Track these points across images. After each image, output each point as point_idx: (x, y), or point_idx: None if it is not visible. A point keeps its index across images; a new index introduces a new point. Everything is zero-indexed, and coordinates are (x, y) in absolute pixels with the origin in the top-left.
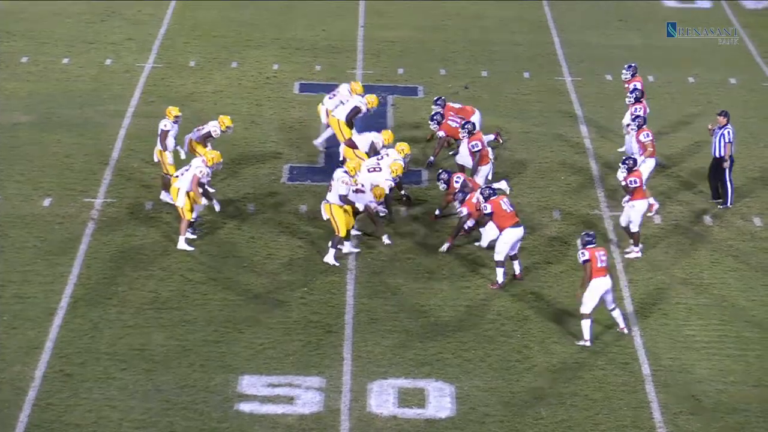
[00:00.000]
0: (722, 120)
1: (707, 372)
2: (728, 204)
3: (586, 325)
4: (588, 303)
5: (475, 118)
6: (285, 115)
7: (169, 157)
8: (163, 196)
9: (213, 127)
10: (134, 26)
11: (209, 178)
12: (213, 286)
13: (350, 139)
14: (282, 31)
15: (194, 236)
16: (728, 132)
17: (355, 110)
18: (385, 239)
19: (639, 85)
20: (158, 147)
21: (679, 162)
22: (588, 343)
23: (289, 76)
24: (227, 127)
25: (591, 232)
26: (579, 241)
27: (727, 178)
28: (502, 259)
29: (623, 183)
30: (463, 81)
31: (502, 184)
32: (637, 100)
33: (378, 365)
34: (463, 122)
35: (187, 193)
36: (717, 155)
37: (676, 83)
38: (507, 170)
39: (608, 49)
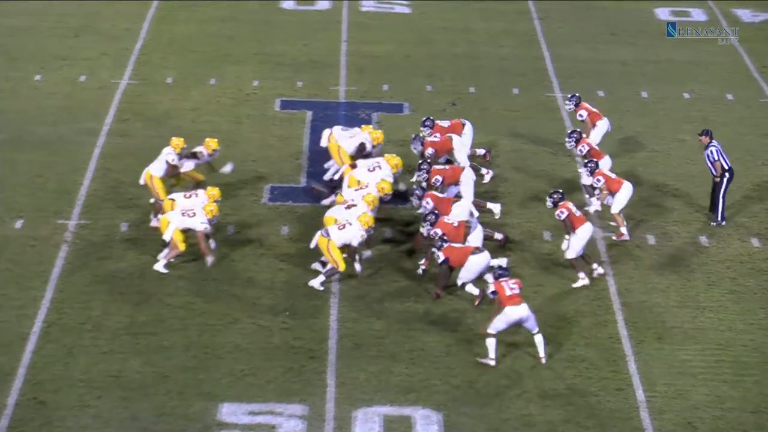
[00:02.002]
0: (705, 139)
1: (704, 398)
2: (720, 221)
3: (491, 344)
4: (495, 325)
5: (467, 129)
6: (266, 134)
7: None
8: (154, 222)
9: (199, 150)
10: (109, 41)
11: (209, 229)
12: (191, 310)
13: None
14: (262, 45)
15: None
16: (712, 150)
17: (361, 147)
18: (357, 266)
19: (585, 114)
20: (148, 170)
21: (674, 181)
22: (492, 362)
23: (270, 93)
24: (214, 150)
25: (504, 267)
26: (491, 275)
27: (721, 195)
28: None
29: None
30: (450, 97)
31: (496, 208)
32: (578, 141)
33: (363, 392)
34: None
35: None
36: (712, 174)
37: (671, 99)
38: (496, 189)
39: (600, 63)
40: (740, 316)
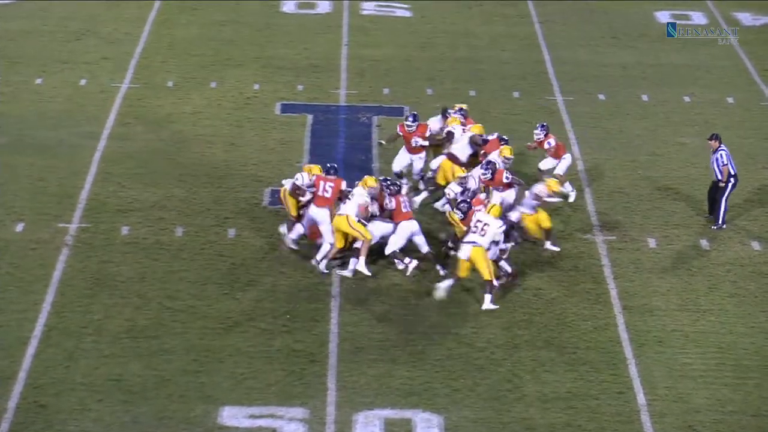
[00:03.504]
0: (714, 144)
1: (704, 401)
2: (720, 225)
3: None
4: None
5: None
6: (266, 137)
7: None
8: (290, 242)
9: (297, 178)
10: (110, 45)
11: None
12: (192, 314)
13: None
14: (263, 49)
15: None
16: (722, 154)
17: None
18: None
19: (552, 143)
20: (286, 188)
21: (675, 184)
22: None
23: (271, 97)
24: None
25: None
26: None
27: (723, 199)
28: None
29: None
30: (450, 101)
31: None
32: (546, 135)
33: (363, 395)
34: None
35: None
36: (716, 178)
37: (672, 102)
38: None
39: (601, 67)
40: (741, 319)
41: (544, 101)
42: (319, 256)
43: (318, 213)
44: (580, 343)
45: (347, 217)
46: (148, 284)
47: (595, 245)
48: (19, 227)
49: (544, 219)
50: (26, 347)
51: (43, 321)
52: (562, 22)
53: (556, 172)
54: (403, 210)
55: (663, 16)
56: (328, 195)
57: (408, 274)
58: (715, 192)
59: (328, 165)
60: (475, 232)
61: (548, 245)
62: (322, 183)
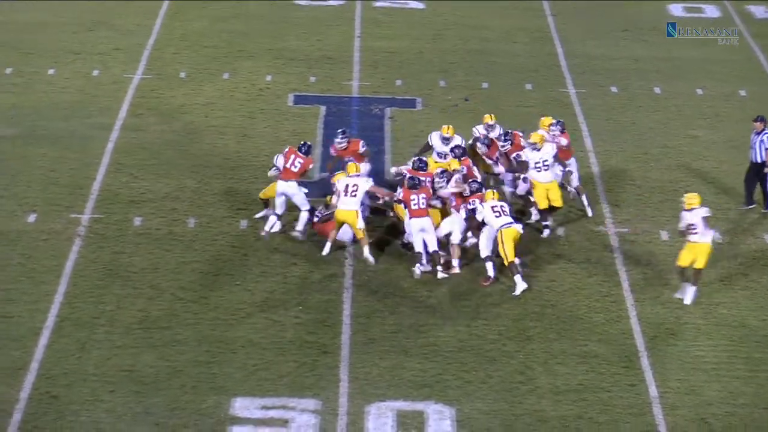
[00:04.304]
0: (759, 125)
1: (717, 394)
2: None
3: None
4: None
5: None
6: (279, 128)
7: None
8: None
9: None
10: (122, 36)
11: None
12: (204, 304)
13: None
14: (275, 40)
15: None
16: (767, 137)
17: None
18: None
19: (565, 142)
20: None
21: (687, 177)
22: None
23: (283, 88)
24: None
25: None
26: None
27: None
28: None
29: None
30: (462, 93)
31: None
32: (562, 131)
33: (375, 387)
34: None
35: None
36: (757, 160)
37: (684, 95)
38: None
39: (613, 60)
40: (753, 312)
41: (557, 93)
42: (299, 227)
43: (286, 186)
44: (593, 336)
45: (356, 212)
46: (161, 275)
47: (608, 237)
48: (32, 218)
49: (557, 197)
50: (38, 338)
51: (55, 312)
52: (574, 15)
53: (569, 188)
54: (413, 206)
55: (675, 9)
56: (295, 169)
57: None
58: (755, 175)
59: (302, 142)
60: (499, 216)
61: (544, 224)
62: (292, 157)
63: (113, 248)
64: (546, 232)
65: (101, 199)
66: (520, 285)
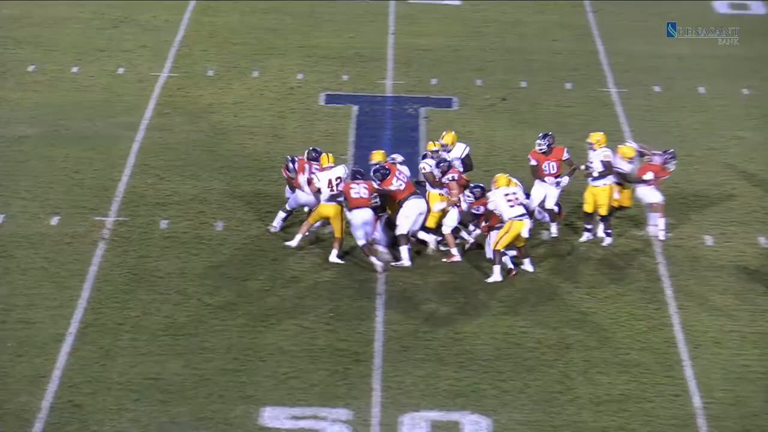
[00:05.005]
0: None
1: (763, 405)
2: None
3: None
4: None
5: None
6: (310, 129)
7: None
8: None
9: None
10: (148, 33)
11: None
12: (232, 311)
13: None
14: (306, 38)
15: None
16: None
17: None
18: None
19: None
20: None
21: (732, 180)
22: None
23: (315, 87)
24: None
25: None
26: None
27: None
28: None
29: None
30: (500, 92)
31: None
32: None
33: (409, 396)
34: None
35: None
36: None
37: (729, 95)
38: None
39: (656, 58)
40: None
41: (598, 93)
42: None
43: (365, 214)
44: (634, 344)
45: (340, 207)
46: (188, 280)
47: (650, 242)
48: (55, 220)
49: (604, 204)
50: (61, 344)
51: (78, 317)
52: (616, 12)
53: (547, 204)
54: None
55: (721, 6)
56: (365, 196)
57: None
58: None
59: (310, 148)
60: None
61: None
62: (355, 186)
63: (138, 252)
64: (606, 241)
65: (126, 201)
66: (495, 276)
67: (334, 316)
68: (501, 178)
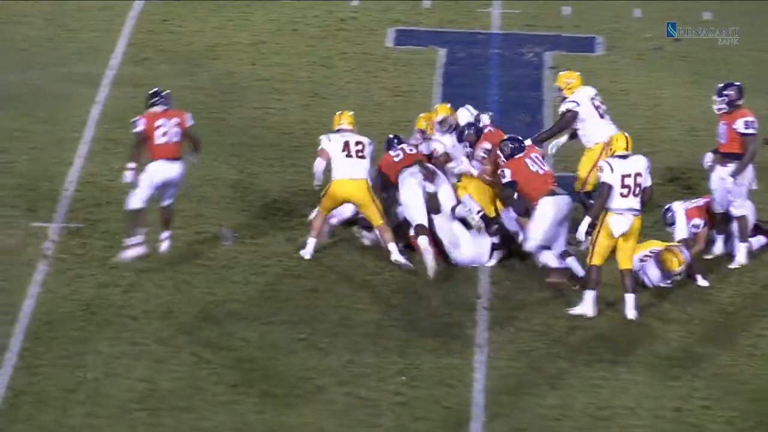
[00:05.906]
0: None
1: None
2: None
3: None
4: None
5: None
6: (371, 84)
7: None
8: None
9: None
10: None
11: None
12: (246, 370)
13: None
14: None
15: None
16: None
17: None
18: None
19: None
20: None
21: None
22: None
23: (378, 18)
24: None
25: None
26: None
27: None
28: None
29: None
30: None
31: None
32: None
33: None
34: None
35: None
36: None
37: None
38: None
39: None
40: None
41: None
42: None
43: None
44: None
45: (366, 183)
46: (175, 322)
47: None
48: None
49: None
50: None
51: (4, 382)
52: None
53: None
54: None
55: None
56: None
57: None
58: None
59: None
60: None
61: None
62: None
63: (99, 278)
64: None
65: (80, 198)
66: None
67: (405, 379)
68: (619, 137)
